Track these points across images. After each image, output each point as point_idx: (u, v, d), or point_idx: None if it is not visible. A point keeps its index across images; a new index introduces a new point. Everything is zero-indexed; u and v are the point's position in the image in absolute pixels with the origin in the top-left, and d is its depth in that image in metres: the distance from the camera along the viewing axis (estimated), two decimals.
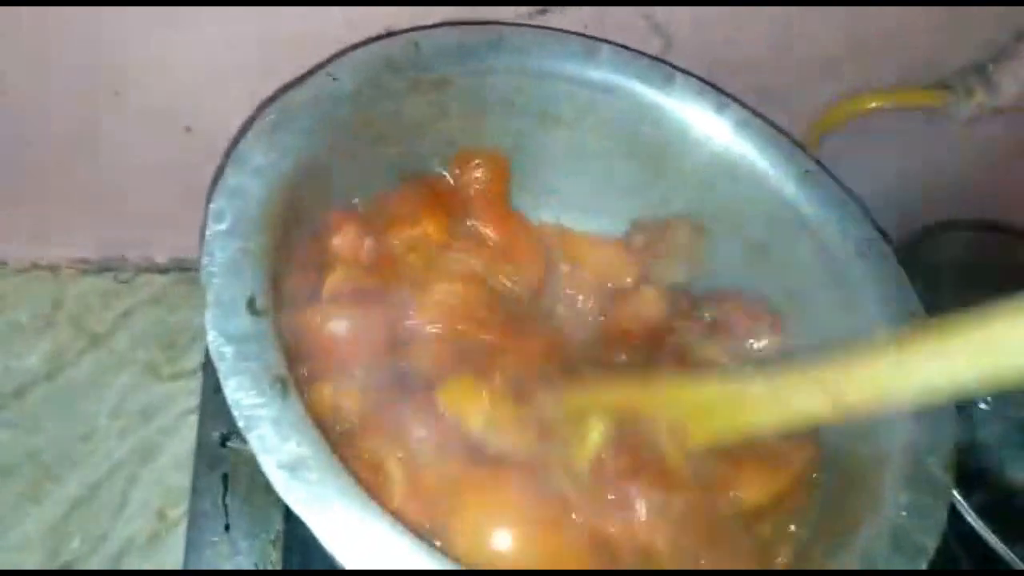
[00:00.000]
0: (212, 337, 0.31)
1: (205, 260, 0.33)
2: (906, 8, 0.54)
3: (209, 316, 0.31)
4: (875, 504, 0.35)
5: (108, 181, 0.56)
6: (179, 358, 0.60)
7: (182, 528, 0.52)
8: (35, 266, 0.61)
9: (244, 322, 0.31)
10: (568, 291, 0.45)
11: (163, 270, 0.63)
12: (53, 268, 0.61)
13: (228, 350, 0.30)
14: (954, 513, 0.48)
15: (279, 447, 0.29)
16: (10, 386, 0.56)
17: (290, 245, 0.35)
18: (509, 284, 0.45)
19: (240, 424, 0.29)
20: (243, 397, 0.29)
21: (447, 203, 0.44)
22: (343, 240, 0.39)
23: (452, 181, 0.46)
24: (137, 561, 0.52)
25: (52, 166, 0.55)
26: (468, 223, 0.43)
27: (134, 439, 0.56)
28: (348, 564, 0.27)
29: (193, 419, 0.55)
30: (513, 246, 0.44)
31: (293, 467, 0.28)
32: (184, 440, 0.56)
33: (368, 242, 0.39)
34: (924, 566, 0.33)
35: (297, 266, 0.36)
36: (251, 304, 0.32)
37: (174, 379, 0.59)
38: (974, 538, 0.47)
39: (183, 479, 0.53)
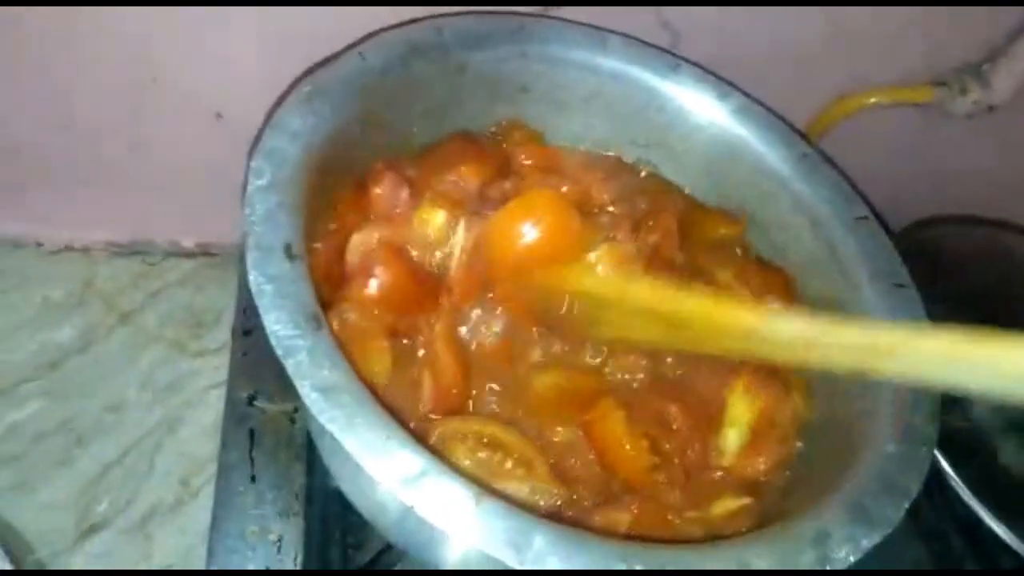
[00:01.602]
0: (253, 277, 0.33)
1: (247, 211, 0.35)
2: (905, 8, 0.57)
3: (250, 259, 0.34)
4: (864, 452, 0.38)
5: (140, 167, 0.59)
6: (204, 336, 0.62)
7: (204, 495, 0.55)
8: (68, 248, 0.64)
9: (282, 265, 0.34)
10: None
11: (190, 254, 0.66)
12: (85, 250, 0.64)
13: (268, 288, 0.33)
14: (947, 489, 0.50)
15: (314, 373, 0.32)
16: (45, 358, 0.58)
17: (321, 199, 0.38)
18: None
19: (278, 352, 0.32)
20: (280, 329, 0.32)
21: (489, 158, 0.47)
22: (383, 190, 0.42)
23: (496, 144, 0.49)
24: (161, 524, 0.54)
25: (86, 152, 0.58)
26: (506, 185, 0.45)
27: (161, 411, 0.58)
28: (372, 473, 0.29)
29: (216, 393, 0.57)
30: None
31: (325, 390, 0.31)
32: (208, 413, 0.58)
33: (404, 193, 0.42)
34: (906, 507, 0.35)
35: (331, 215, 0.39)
36: (288, 250, 0.35)
37: (199, 356, 0.61)
38: (965, 513, 0.49)
39: (206, 450, 0.56)
